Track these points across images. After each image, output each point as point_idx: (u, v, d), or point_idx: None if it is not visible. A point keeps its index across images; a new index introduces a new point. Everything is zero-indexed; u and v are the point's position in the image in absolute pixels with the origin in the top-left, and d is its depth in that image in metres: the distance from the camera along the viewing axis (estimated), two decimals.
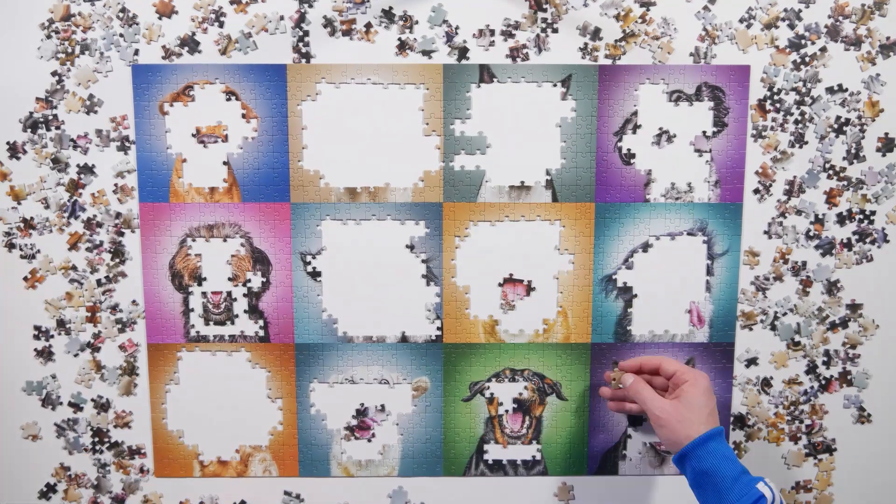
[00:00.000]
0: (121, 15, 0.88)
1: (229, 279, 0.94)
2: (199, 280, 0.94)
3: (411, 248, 0.93)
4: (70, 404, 0.95)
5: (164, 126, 0.91)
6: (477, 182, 0.92)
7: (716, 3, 0.89)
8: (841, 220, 0.93)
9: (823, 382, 0.96)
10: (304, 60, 0.90)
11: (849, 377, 0.96)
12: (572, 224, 0.93)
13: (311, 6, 0.89)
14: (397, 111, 0.91)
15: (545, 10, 0.89)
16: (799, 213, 0.93)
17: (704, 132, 0.92)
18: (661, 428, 0.82)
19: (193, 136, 0.91)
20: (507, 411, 0.97)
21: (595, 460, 0.97)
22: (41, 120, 0.90)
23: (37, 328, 0.94)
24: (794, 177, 0.92)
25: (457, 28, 0.89)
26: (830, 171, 0.92)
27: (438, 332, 0.95)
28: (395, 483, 0.98)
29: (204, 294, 0.94)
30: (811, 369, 0.96)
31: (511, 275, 0.94)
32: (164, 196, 0.92)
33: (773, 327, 0.95)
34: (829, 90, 0.91)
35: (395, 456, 0.97)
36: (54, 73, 0.89)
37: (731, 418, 0.97)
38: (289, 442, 0.96)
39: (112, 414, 0.96)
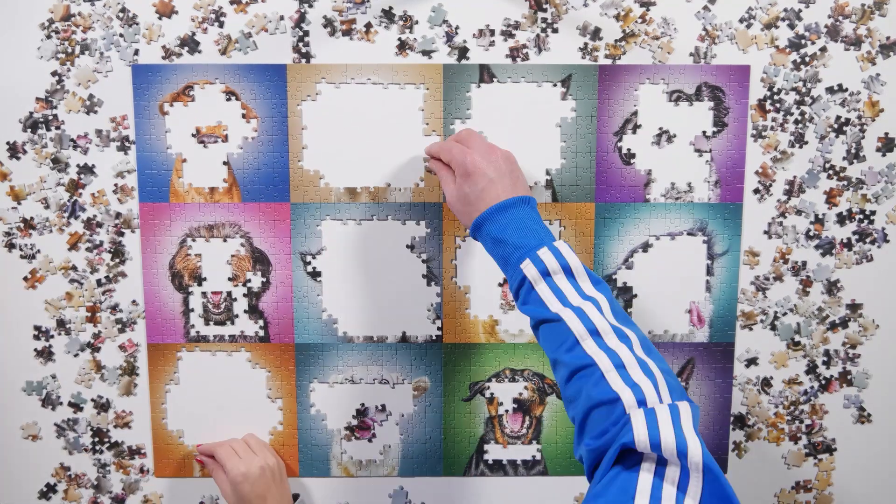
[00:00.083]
0: (121, 15, 0.88)
1: (229, 279, 0.94)
2: (199, 280, 0.94)
3: (411, 248, 0.93)
4: (70, 404, 0.95)
5: (164, 126, 0.91)
6: None
7: (716, 3, 0.89)
8: (841, 220, 0.93)
9: (823, 382, 0.96)
10: (304, 60, 0.90)
11: (849, 377, 0.96)
12: (572, 224, 0.93)
13: (311, 6, 0.89)
14: (397, 111, 0.91)
15: (545, 10, 0.89)
16: (799, 213, 0.93)
17: (704, 132, 0.92)
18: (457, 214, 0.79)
19: (193, 136, 0.91)
20: (507, 411, 0.97)
21: None
22: (41, 120, 0.90)
23: (37, 328, 0.94)
24: (794, 177, 0.92)
25: (457, 28, 0.89)
26: (830, 171, 0.92)
27: (438, 332, 0.95)
28: (395, 483, 0.98)
29: (204, 294, 0.94)
30: (811, 369, 0.96)
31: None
32: (164, 196, 0.92)
33: (773, 327, 0.95)
34: (829, 90, 0.91)
35: (395, 456, 0.97)
36: (54, 73, 0.89)
37: (731, 418, 0.97)
38: (289, 442, 0.96)
39: (112, 414, 0.96)
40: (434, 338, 0.95)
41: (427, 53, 0.90)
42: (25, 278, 0.93)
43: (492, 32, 0.89)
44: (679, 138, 0.92)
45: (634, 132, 0.91)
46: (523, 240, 0.73)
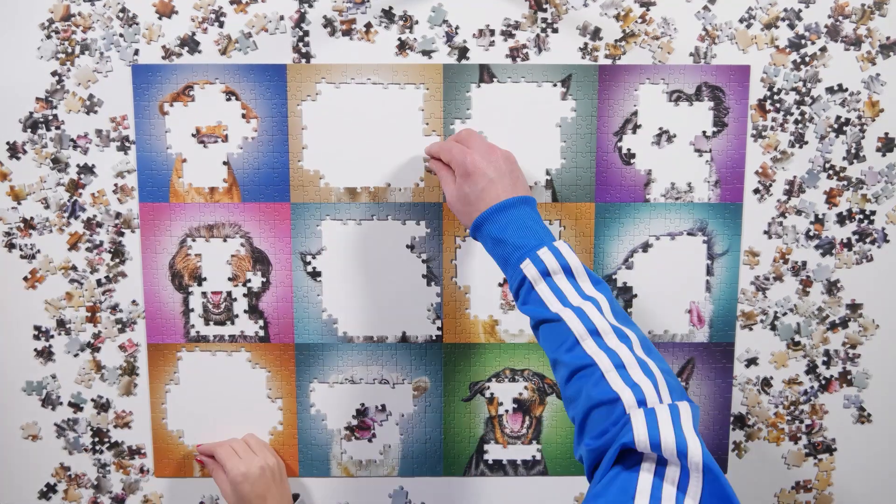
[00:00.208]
0: (121, 15, 0.88)
1: (229, 279, 0.94)
2: (199, 280, 0.94)
3: (411, 248, 0.93)
4: (70, 404, 0.95)
5: (164, 126, 0.91)
6: None
7: (716, 3, 0.89)
8: (841, 220, 0.93)
9: (823, 382, 0.96)
10: (304, 60, 0.90)
11: (849, 377, 0.96)
12: (572, 224, 0.93)
13: (311, 6, 0.89)
14: (397, 111, 0.91)
15: (545, 10, 0.89)
16: (799, 213, 0.93)
17: (704, 132, 0.92)
18: (457, 214, 0.79)
19: (193, 136, 0.91)
20: (507, 411, 0.97)
21: None
22: (41, 120, 0.90)
23: (37, 328, 0.94)
24: (794, 177, 0.92)
25: (457, 28, 0.89)
26: (830, 171, 0.92)
27: (438, 332, 0.95)
28: (395, 483, 0.98)
29: (204, 294, 0.94)
30: (811, 369, 0.96)
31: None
32: (164, 196, 0.92)
33: (773, 327, 0.95)
34: (829, 90, 0.91)
35: (395, 456, 0.97)
36: (54, 73, 0.89)
37: (731, 418, 0.97)
38: (289, 442, 0.96)
39: (112, 414, 0.96)
40: (434, 338, 0.95)
41: (427, 53, 0.90)
42: (25, 278, 0.93)
43: (492, 32, 0.89)
44: (679, 138, 0.92)
45: (634, 132, 0.91)
46: (523, 240, 0.73)
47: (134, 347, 0.95)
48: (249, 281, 0.94)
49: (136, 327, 0.94)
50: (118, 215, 0.92)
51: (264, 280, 0.94)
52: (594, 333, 0.67)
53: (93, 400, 0.95)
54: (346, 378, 0.96)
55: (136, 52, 0.89)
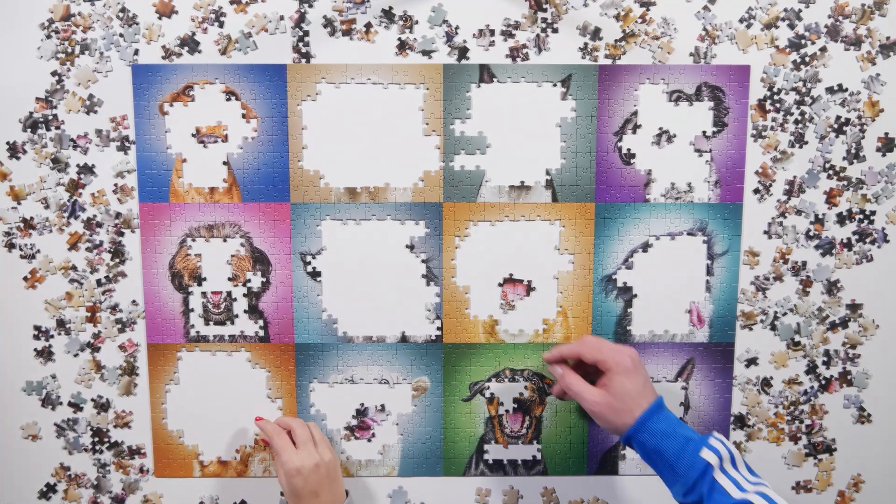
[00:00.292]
0: (121, 15, 0.88)
1: (229, 279, 0.94)
2: (199, 280, 0.94)
3: (411, 248, 0.93)
4: (70, 404, 0.95)
5: (164, 126, 0.91)
6: (477, 182, 0.92)
7: (716, 3, 0.89)
8: (841, 220, 0.93)
9: (823, 382, 0.96)
10: (304, 60, 0.90)
11: (849, 377, 0.96)
12: (572, 224, 0.93)
13: (311, 6, 0.89)
14: (397, 111, 0.91)
15: (545, 10, 0.89)
16: (799, 213, 0.93)
17: (704, 132, 0.92)
18: (598, 417, 0.82)
19: (193, 136, 0.91)
20: (507, 411, 0.97)
21: (595, 460, 0.97)
22: (41, 120, 0.90)
23: (37, 328, 0.94)
24: (794, 177, 0.92)
25: (457, 28, 0.89)
26: (830, 171, 0.92)
27: (438, 332, 0.95)
28: (395, 483, 0.98)
29: (204, 294, 0.94)
30: (811, 369, 0.96)
31: (511, 275, 0.94)
32: (164, 196, 0.92)
33: (773, 327, 0.95)
34: (829, 90, 0.91)
35: (395, 456, 0.97)
36: (54, 73, 0.89)
37: (732, 418, 0.97)
38: None
39: (112, 414, 0.96)
40: (434, 338, 0.95)
41: (427, 53, 0.90)
42: (25, 278, 0.93)
43: (492, 32, 0.89)
44: (679, 138, 0.92)
45: (634, 132, 0.91)
46: (689, 433, 0.78)
47: (134, 347, 0.95)
48: (249, 281, 0.94)
49: (136, 327, 0.94)
50: (118, 215, 0.92)
51: (264, 280, 0.94)
52: None
53: (93, 400, 0.95)
54: (346, 378, 0.96)
55: (136, 52, 0.89)
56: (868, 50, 0.90)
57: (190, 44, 0.89)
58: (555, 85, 0.90)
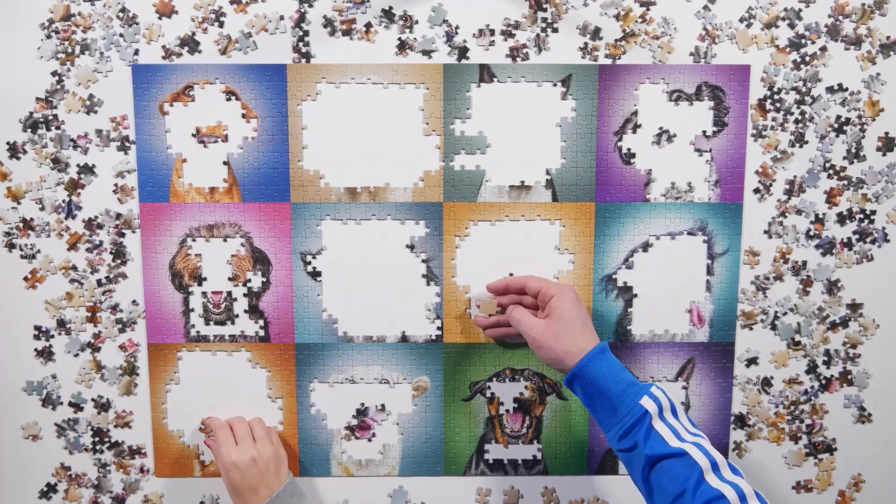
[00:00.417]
0: (121, 15, 0.88)
1: (229, 279, 0.94)
2: (199, 280, 0.94)
3: (411, 247, 0.93)
4: (70, 404, 0.95)
5: (164, 126, 0.91)
6: (477, 182, 0.92)
7: (716, 3, 0.89)
8: (841, 219, 0.93)
9: (824, 382, 0.96)
10: (304, 60, 0.90)
11: (849, 377, 0.96)
12: (572, 224, 0.93)
13: (311, 6, 0.89)
14: (397, 111, 0.91)
15: (545, 10, 0.89)
16: (799, 212, 0.93)
17: (704, 132, 0.92)
18: (539, 349, 0.82)
19: (193, 136, 0.91)
20: (507, 411, 0.97)
21: (595, 460, 0.97)
22: (41, 120, 0.90)
23: (37, 328, 0.94)
24: (795, 176, 0.92)
25: (457, 28, 0.89)
26: (830, 171, 0.92)
27: (438, 332, 0.95)
28: (395, 483, 0.98)
29: (204, 294, 0.94)
30: (811, 369, 0.96)
31: (511, 274, 0.94)
32: (164, 196, 0.92)
33: (774, 327, 0.95)
34: (829, 90, 0.90)
35: (395, 456, 0.97)
36: (54, 73, 0.89)
37: (732, 418, 0.97)
38: (289, 442, 0.96)
39: (112, 414, 0.96)
40: (434, 338, 0.95)
41: (427, 53, 0.90)
42: (25, 278, 0.93)
43: (492, 32, 0.89)
44: (679, 138, 0.92)
45: (634, 132, 0.91)
46: (632, 379, 0.78)
47: (134, 347, 0.95)
48: (249, 281, 0.94)
49: (136, 327, 0.94)
50: (118, 216, 0.92)
51: (264, 280, 0.94)
52: (714, 467, 0.71)
53: (93, 400, 0.95)
54: (346, 378, 0.96)
55: (136, 52, 0.89)
56: (868, 49, 0.90)
57: (190, 44, 0.89)
58: (555, 85, 0.90)
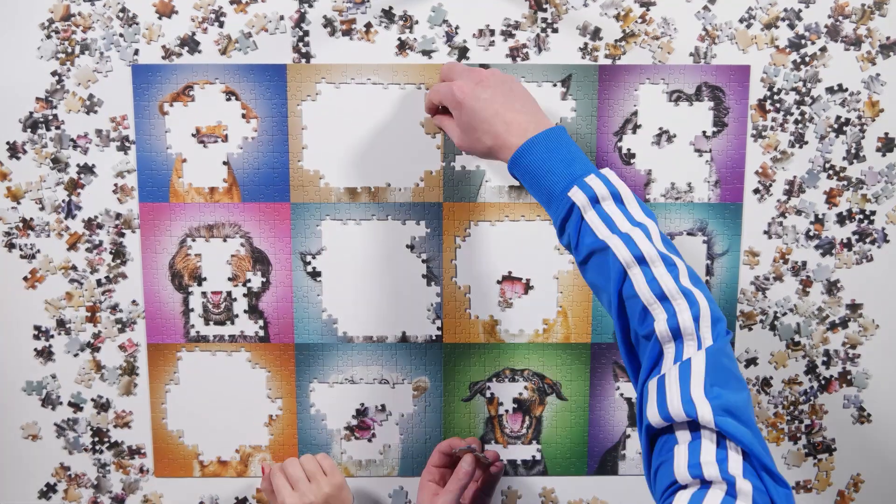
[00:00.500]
0: (121, 15, 0.88)
1: (229, 279, 0.94)
2: (199, 280, 0.94)
3: (411, 248, 0.93)
4: (70, 404, 0.95)
5: (164, 126, 0.91)
6: (477, 182, 0.92)
7: (716, 3, 0.89)
8: (841, 220, 0.93)
9: (823, 382, 0.96)
10: (304, 60, 0.90)
11: (849, 377, 0.96)
12: None
13: (311, 6, 0.89)
14: (397, 111, 0.91)
15: (545, 10, 0.89)
16: (799, 213, 0.93)
17: (704, 132, 0.92)
18: (467, 149, 0.77)
19: (193, 136, 0.91)
20: (507, 411, 0.97)
21: (595, 460, 0.97)
22: (41, 120, 0.90)
23: (37, 328, 0.94)
24: (794, 177, 0.92)
25: (457, 28, 0.89)
26: (830, 171, 0.92)
27: (438, 332, 0.95)
28: (395, 483, 0.98)
29: (204, 294, 0.94)
30: (811, 369, 0.96)
31: (510, 272, 0.94)
32: (164, 196, 0.92)
33: (773, 327, 0.95)
34: (829, 90, 0.91)
35: (395, 456, 0.97)
36: (54, 73, 0.89)
37: None
38: (289, 442, 0.96)
39: (112, 414, 0.96)
40: (434, 338, 0.95)
41: (427, 53, 0.90)
42: (25, 278, 0.93)
43: (492, 32, 0.89)
44: (679, 138, 0.92)
45: (634, 132, 0.91)
46: (569, 168, 0.69)
47: (134, 347, 0.95)
48: (249, 281, 0.94)
49: (136, 327, 0.94)
50: (118, 215, 0.92)
51: (264, 280, 0.94)
52: (641, 261, 0.64)
53: (93, 400, 0.95)
54: (346, 378, 0.96)
55: (136, 52, 0.89)
56: (868, 50, 0.90)
57: (190, 44, 0.89)
58: (555, 85, 0.90)
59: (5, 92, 0.90)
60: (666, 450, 0.59)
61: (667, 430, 0.60)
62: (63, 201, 0.91)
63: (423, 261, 0.94)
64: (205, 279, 0.94)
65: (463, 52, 0.90)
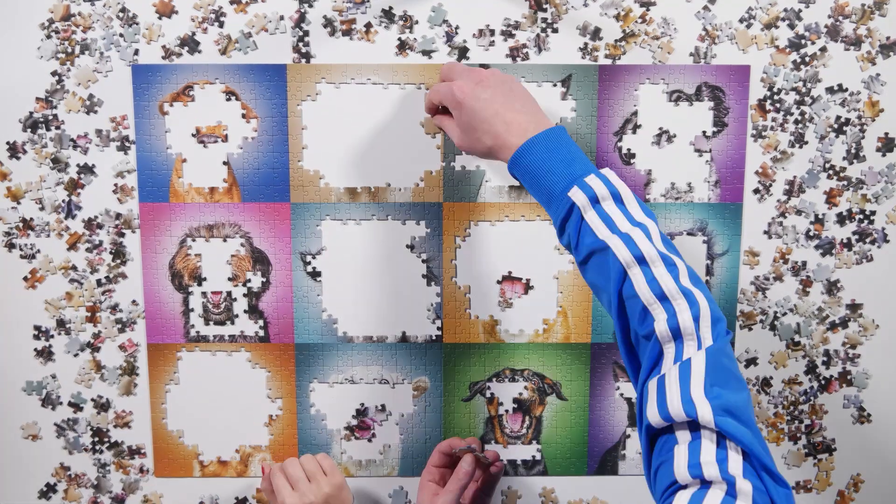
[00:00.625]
0: (121, 15, 0.88)
1: (229, 279, 0.94)
2: (199, 280, 0.94)
3: (411, 248, 0.93)
4: (70, 404, 0.95)
5: (164, 126, 0.91)
6: (477, 182, 0.92)
7: (716, 3, 0.89)
8: (841, 220, 0.93)
9: (823, 382, 0.96)
10: (304, 60, 0.90)
11: (849, 377, 0.96)
12: None
13: (311, 6, 0.89)
14: (397, 111, 0.91)
15: (545, 10, 0.89)
16: (799, 213, 0.93)
17: (704, 132, 0.92)
18: (468, 150, 0.77)
19: (193, 136, 0.91)
20: (507, 411, 0.97)
21: (595, 460, 0.97)
22: (41, 120, 0.90)
23: (37, 328, 0.94)
24: (794, 177, 0.92)
25: (457, 28, 0.89)
26: (830, 171, 0.92)
27: (438, 332, 0.95)
28: (395, 483, 0.98)
29: (204, 294, 0.94)
30: (811, 369, 0.96)
31: (510, 272, 0.94)
32: (164, 196, 0.92)
33: (773, 327, 0.95)
34: (829, 90, 0.91)
35: (395, 456, 0.97)
36: (54, 73, 0.89)
37: None
38: (289, 442, 0.97)
39: (112, 414, 0.96)
40: (434, 338, 0.95)
41: (427, 53, 0.90)
42: (25, 278, 0.93)
43: (492, 32, 0.89)
44: (679, 138, 0.92)
45: (634, 132, 0.91)
46: (569, 168, 0.68)
47: (134, 347, 0.95)
48: (249, 281, 0.94)
49: (136, 327, 0.94)
50: (118, 215, 0.92)
51: (264, 280, 0.94)
52: (641, 261, 0.64)
53: (93, 400, 0.95)
54: (346, 378, 0.96)
55: (136, 52, 0.89)
56: (868, 50, 0.90)
57: (190, 44, 0.89)
58: (555, 85, 0.90)
59: (5, 92, 0.90)
60: (666, 450, 0.59)
61: (667, 430, 0.60)
62: (63, 201, 0.91)
63: (424, 261, 0.94)
64: (205, 279, 0.94)
65: (463, 52, 0.90)
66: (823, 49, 0.90)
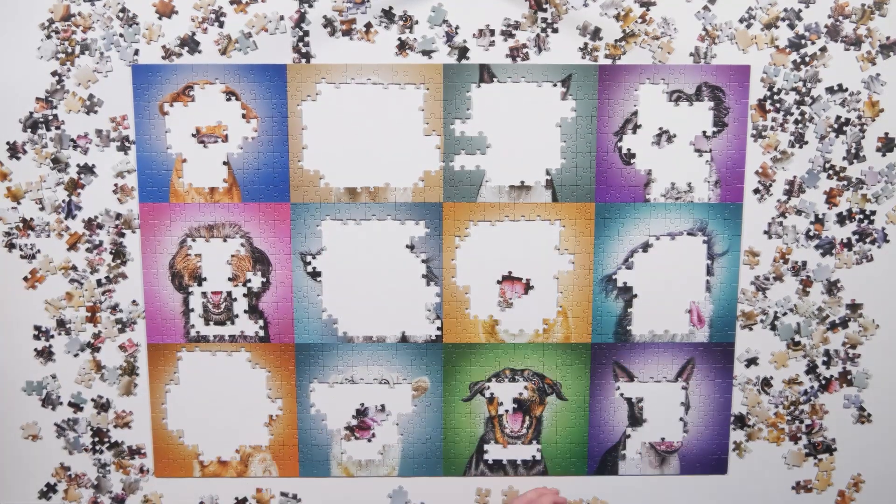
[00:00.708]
0: (121, 15, 0.88)
1: (229, 279, 0.94)
2: (199, 280, 0.94)
3: (411, 248, 0.93)
4: (70, 404, 0.95)
5: (164, 126, 0.91)
6: (477, 182, 0.92)
7: (716, 3, 0.89)
8: (841, 220, 0.93)
9: (823, 382, 0.96)
10: (304, 60, 0.90)
11: (849, 377, 0.96)
12: (572, 224, 0.93)
13: (311, 6, 0.89)
14: (397, 111, 0.91)
15: (545, 10, 0.89)
16: (799, 213, 0.93)
17: (704, 132, 0.92)
18: None
19: (193, 136, 0.91)
20: (507, 411, 0.97)
21: (595, 460, 0.97)
22: (41, 120, 0.90)
23: (37, 328, 0.94)
24: (794, 177, 0.92)
25: (457, 28, 0.89)
26: (830, 171, 0.92)
27: (438, 332, 0.95)
28: (395, 483, 0.98)
29: (204, 294, 0.94)
30: (811, 369, 0.96)
31: (510, 272, 0.94)
32: (164, 196, 0.92)
33: (773, 327, 0.95)
34: (829, 90, 0.91)
35: (395, 456, 0.97)
36: (54, 73, 0.89)
37: (732, 418, 0.97)
38: (289, 442, 0.96)
39: (112, 414, 0.96)
40: (434, 338, 0.95)
41: (427, 53, 0.90)
42: (25, 278, 0.93)
43: (492, 32, 0.89)
44: (679, 138, 0.92)
45: (634, 132, 0.91)
46: None
47: (134, 347, 0.95)
48: (249, 281, 0.94)
49: (136, 327, 0.94)
50: (118, 215, 0.92)
51: (264, 280, 0.94)
52: None
53: (93, 400, 0.95)
54: (346, 378, 0.96)
55: (136, 52, 0.89)
56: (868, 50, 0.90)
57: (190, 44, 0.89)
58: (555, 85, 0.90)
59: (5, 92, 0.90)
60: None
61: None
62: (63, 201, 0.91)
63: (423, 261, 0.94)
64: (205, 279, 0.94)
65: (463, 52, 0.90)
66: (823, 49, 0.90)
